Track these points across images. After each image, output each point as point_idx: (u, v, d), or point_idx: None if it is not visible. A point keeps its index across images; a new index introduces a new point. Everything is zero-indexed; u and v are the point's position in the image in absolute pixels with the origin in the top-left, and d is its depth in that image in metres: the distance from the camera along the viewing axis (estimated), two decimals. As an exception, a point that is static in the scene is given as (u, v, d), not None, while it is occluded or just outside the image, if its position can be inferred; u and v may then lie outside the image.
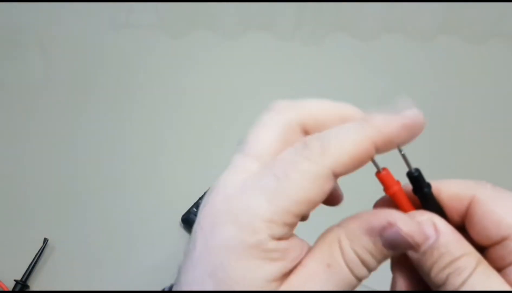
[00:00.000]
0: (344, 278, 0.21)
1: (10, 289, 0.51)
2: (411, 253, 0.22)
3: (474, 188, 0.22)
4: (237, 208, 0.20)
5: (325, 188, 0.20)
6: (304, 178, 0.20)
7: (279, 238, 0.20)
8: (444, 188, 0.23)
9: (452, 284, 0.21)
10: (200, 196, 0.56)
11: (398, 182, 0.23)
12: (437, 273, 0.21)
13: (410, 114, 0.20)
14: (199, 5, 0.75)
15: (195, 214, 0.55)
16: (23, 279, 0.51)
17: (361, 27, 0.75)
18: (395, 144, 0.21)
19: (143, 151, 0.62)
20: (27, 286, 0.51)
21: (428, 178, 0.23)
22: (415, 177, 0.22)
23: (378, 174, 0.22)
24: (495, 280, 0.21)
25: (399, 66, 0.71)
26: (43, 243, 0.53)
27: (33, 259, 0.52)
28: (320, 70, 0.71)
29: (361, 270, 0.21)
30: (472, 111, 0.67)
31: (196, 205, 0.55)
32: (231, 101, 0.67)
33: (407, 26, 0.75)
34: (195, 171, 0.60)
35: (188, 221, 0.55)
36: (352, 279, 0.21)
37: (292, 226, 0.21)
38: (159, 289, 0.51)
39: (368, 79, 0.70)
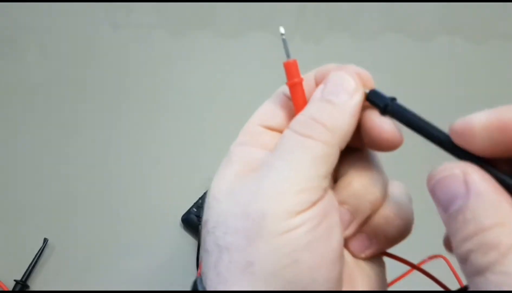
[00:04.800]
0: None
1: (10, 289, 0.51)
2: (440, 213, 0.17)
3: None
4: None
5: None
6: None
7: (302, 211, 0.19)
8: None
9: (475, 265, 0.15)
10: (200, 196, 0.56)
11: (301, 77, 0.23)
12: (459, 245, 0.16)
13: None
14: (199, 5, 0.75)
15: (195, 214, 0.54)
16: (23, 279, 0.51)
17: (361, 27, 0.75)
18: None
19: (143, 151, 0.62)
20: (27, 286, 0.51)
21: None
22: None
23: (286, 61, 0.22)
24: None
25: (399, 66, 0.71)
26: (43, 243, 0.53)
27: (33, 259, 0.52)
28: (320, 70, 0.71)
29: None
30: (472, 111, 0.67)
31: (196, 205, 0.55)
32: (231, 101, 0.67)
33: (407, 26, 0.75)
34: (195, 171, 0.60)
35: (188, 221, 0.54)
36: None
37: (311, 190, 0.20)
38: (159, 289, 0.51)
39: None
